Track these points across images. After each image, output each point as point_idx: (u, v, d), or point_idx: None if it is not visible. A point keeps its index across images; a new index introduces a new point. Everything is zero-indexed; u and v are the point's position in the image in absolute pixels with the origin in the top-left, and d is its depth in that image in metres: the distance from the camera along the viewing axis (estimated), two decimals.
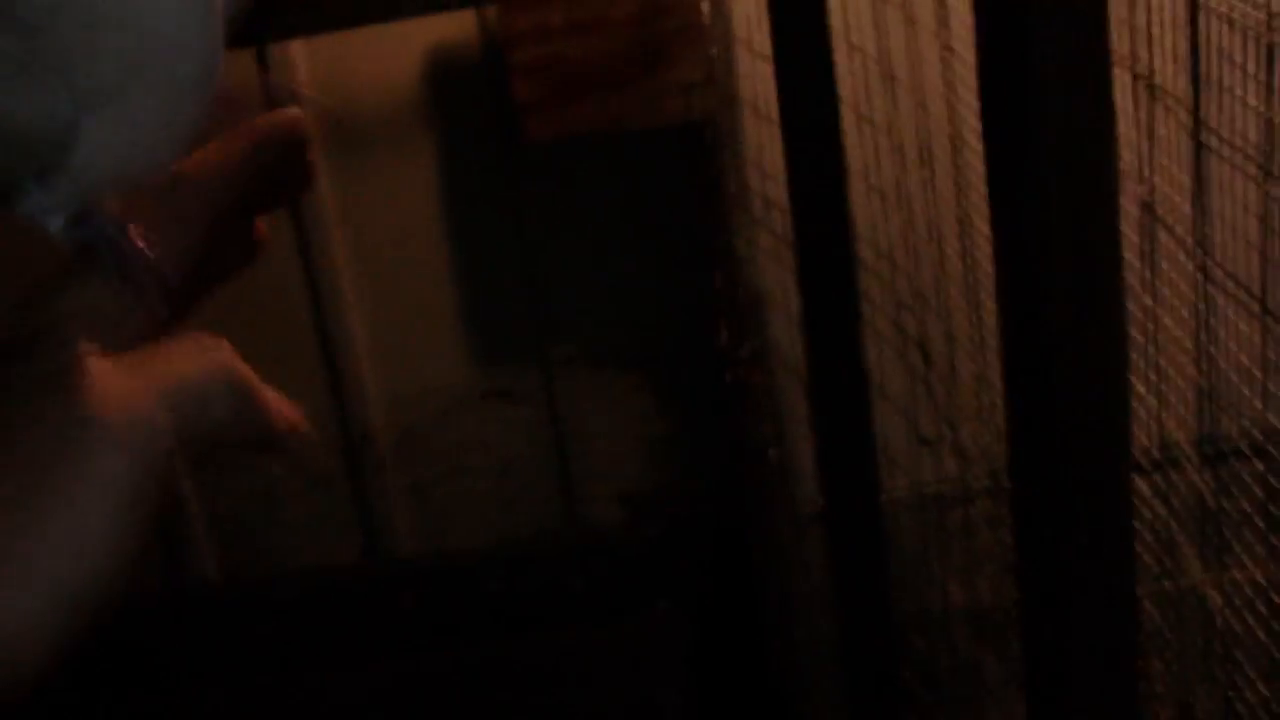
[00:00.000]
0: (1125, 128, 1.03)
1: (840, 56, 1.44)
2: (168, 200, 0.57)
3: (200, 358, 0.54)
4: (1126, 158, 1.05)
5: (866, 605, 1.70)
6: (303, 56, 2.12)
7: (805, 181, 1.50)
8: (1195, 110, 1.00)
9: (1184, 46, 0.99)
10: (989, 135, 0.97)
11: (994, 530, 1.57)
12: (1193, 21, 0.98)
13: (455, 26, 2.10)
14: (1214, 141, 1.00)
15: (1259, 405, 1.15)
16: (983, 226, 1.26)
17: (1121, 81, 1.02)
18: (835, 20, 1.43)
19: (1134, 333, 1.10)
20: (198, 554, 2.45)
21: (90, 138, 0.56)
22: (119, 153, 0.56)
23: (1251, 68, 1.03)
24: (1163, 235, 1.07)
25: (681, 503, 2.43)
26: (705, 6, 1.96)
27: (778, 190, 1.82)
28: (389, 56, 2.12)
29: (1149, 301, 1.10)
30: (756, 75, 1.79)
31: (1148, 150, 1.05)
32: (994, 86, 0.96)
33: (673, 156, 2.09)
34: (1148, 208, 1.06)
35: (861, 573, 1.69)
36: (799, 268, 1.54)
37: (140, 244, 0.56)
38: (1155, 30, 0.99)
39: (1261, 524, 1.22)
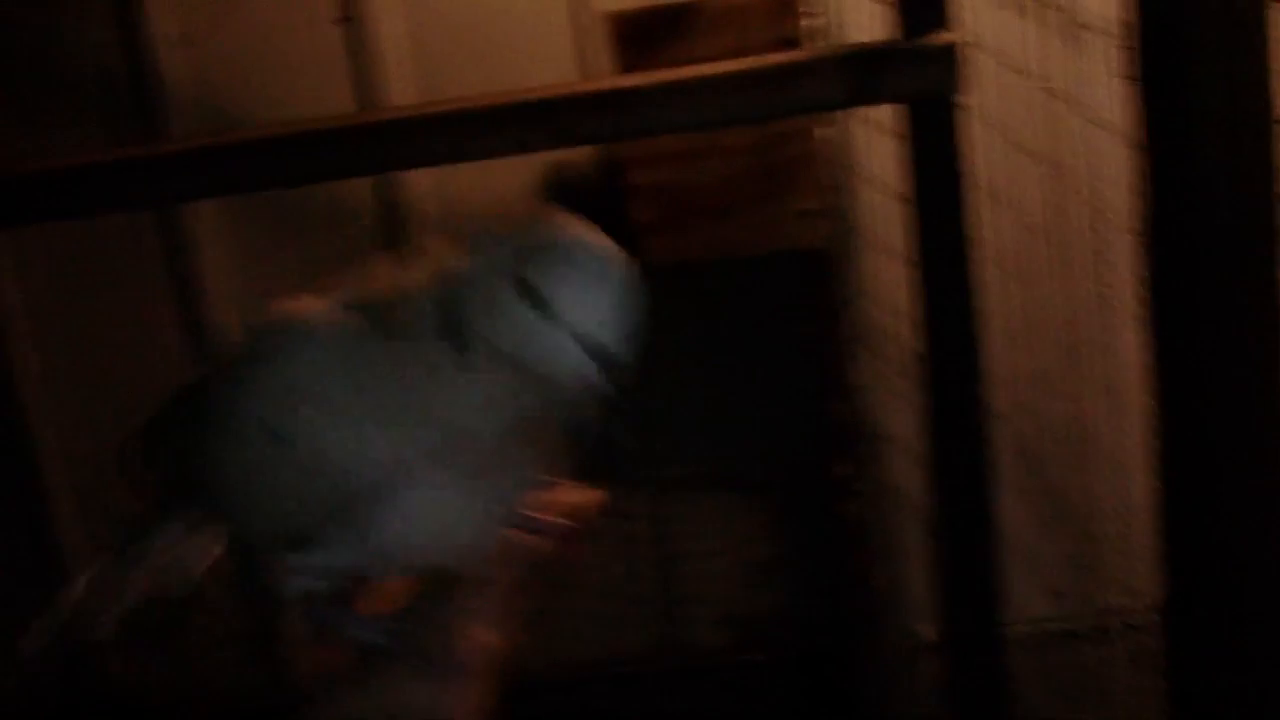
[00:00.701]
0: None
1: (982, 204, 1.42)
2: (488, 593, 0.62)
3: None
4: None
5: None
6: (422, 172, 2.13)
7: (938, 330, 1.47)
8: None
9: None
10: (1156, 315, 0.95)
11: (1130, 669, 1.52)
12: None
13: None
14: None
15: None
16: (1135, 397, 1.23)
17: None
18: (977, 168, 1.41)
19: None
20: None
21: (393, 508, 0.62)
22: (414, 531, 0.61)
23: None
24: None
25: (785, 628, 2.39)
26: (824, 135, 1.94)
27: (901, 325, 1.79)
28: (507, 172, 2.12)
29: None
30: (888, 211, 1.76)
31: None
32: (1160, 265, 0.94)
33: (790, 283, 2.07)
34: None
35: (978, 710, 1.65)
36: (930, 412, 1.51)
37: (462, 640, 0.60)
38: None
39: None
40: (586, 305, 0.60)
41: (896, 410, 1.85)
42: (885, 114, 1.78)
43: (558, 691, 2.43)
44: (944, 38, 1.33)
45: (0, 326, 2.28)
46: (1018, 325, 1.47)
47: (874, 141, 1.78)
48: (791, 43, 1.84)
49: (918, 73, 1.33)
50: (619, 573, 2.40)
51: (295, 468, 0.61)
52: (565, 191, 2.17)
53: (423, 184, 2.17)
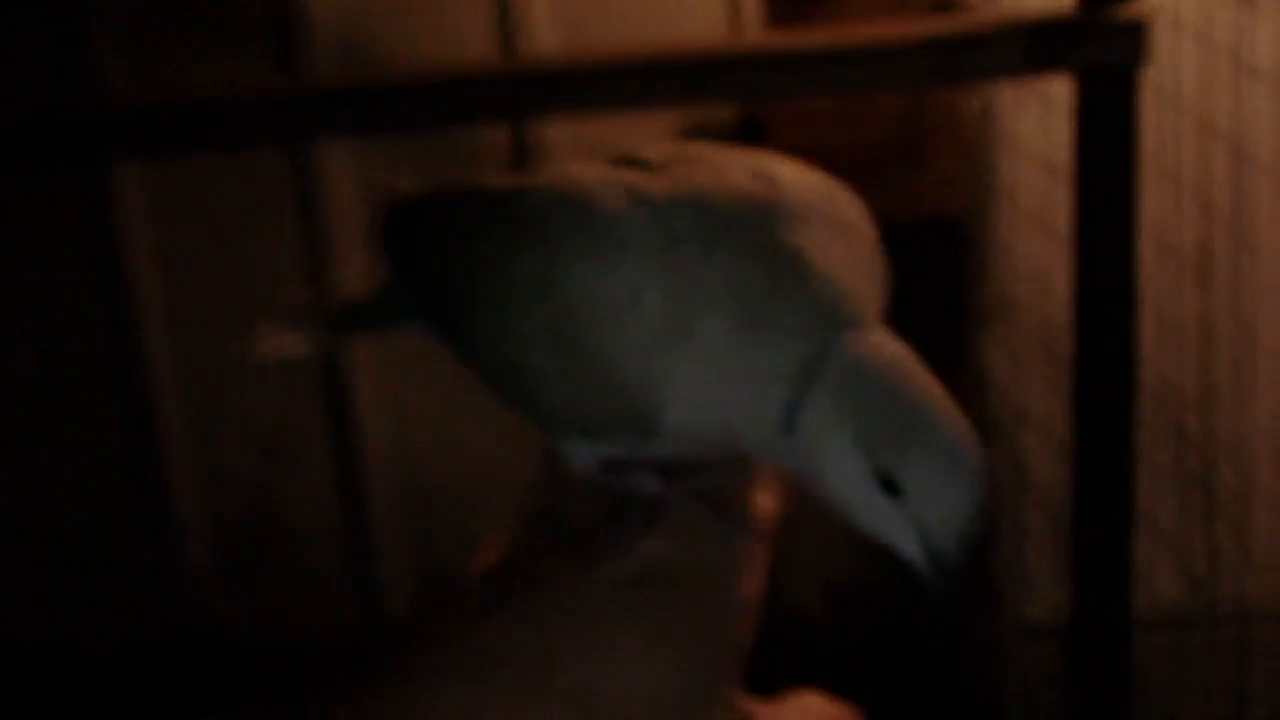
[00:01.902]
0: None
1: (1150, 182, 1.39)
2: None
3: None
4: None
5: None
6: (561, 127, 2.12)
7: (1092, 310, 1.44)
8: None
9: None
10: None
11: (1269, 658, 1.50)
12: None
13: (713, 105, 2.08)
14: None
15: None
16: None
17: None
18: (1148, 142, 1.38)
19: None
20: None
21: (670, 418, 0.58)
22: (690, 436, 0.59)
23: None
24: None
25: (885, 599, 2.37)
26: (972, 105, 1.92)
27: (1040, 300, 1.77)
28: (643, 127, 2.10)
29: None
30: (1034, 181, 1.73)
31: None
32: None
33: (925, 251, 2.04)
34: None
35: (1101, 696, 1.63)
36: (1075, 395, 1.49)
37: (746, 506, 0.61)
38: None
39: None
40: (939, 508, 0.54)
41: (1028, 386, 1.82)
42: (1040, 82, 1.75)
43: None
44: (1132, 9, 1.31)
45: (126, 261, 2.29)
46: (1187, 319, 1.44)
47: (1024, 109, 1.75)
48: (947, 6, 1.81)
49: (1103, 45, 1.31)
50: None
51: (576, 371, 0.59)
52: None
53: (559, 135, 2.16)
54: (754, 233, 0.58)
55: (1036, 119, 1.74)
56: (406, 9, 2.16)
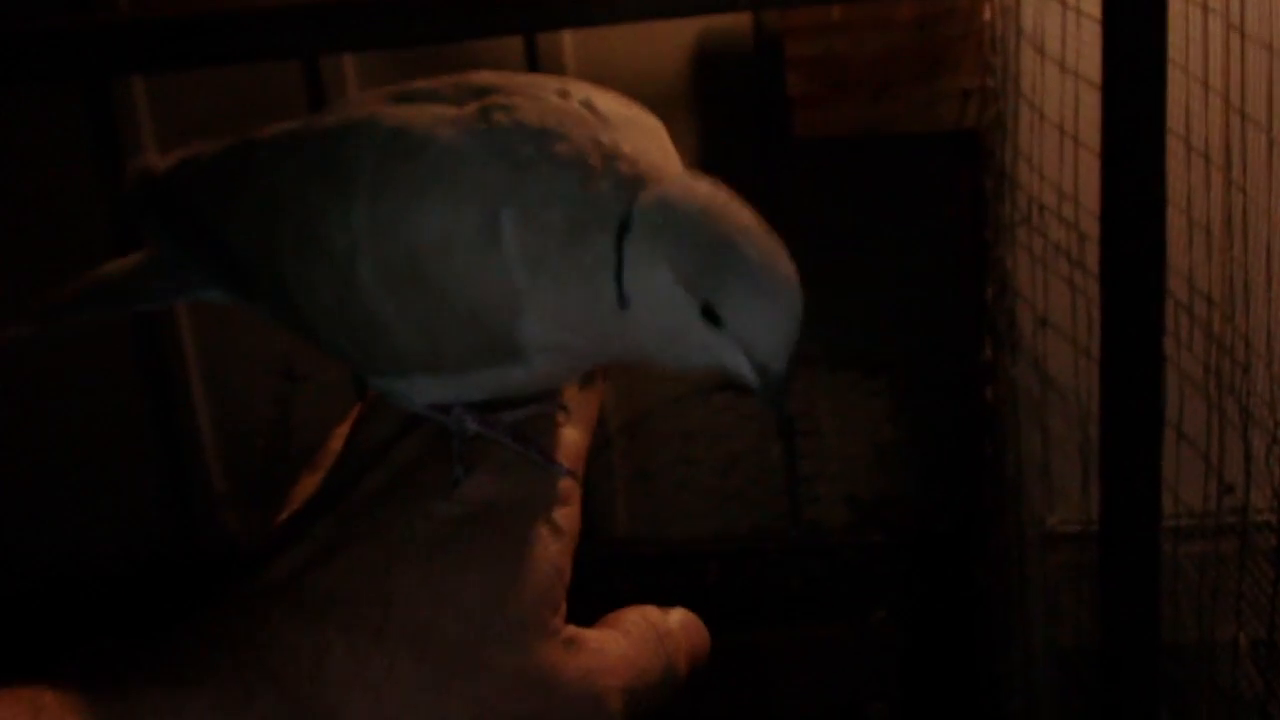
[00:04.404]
0: None
1: (1176, 84, 1.37)
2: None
3: (656, 647, 0.61)
4: None
5: (1131, 634, 1.64)
6: (570, 40, 2.10)
7: (1120, 214, 1.43)
8: None
9: None
10: None
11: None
12: None
13: (729, 16, 2.06)
14: None
15: None
16: None
17: None
18: (1175, 49, 1.36)
19: None
20: None
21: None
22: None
23: None
24: None
25: (908, 512, 2.38)
26: (988, 13, 1.89)
27: (1065, 207, 1.75)
28: (659, 41, 2.08)
29: None
30: (1057, 86, 1.72)
31: None
32: None
33: (946, 163, 2.03)
34: None
35: (1130, 603, 1.63)
36: (1103, 299, 1.48)
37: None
38: None
39: None
40: (760, 329, 0.57)
41: (1054, 293, 1.81)
42: None
43: (669, 563, 2.44)
44: None
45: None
46: (1216, 221, 1.43)
47: (1047, 13, 1.73)
48: None
49: None
50: (742, 447, 2.40)
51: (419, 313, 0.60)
52: (718, 61, 2.13)
53: (572, 48, 2.14)
54: (576, 143, 0.58)
55: (1057, 19, 1.72)
56: None
